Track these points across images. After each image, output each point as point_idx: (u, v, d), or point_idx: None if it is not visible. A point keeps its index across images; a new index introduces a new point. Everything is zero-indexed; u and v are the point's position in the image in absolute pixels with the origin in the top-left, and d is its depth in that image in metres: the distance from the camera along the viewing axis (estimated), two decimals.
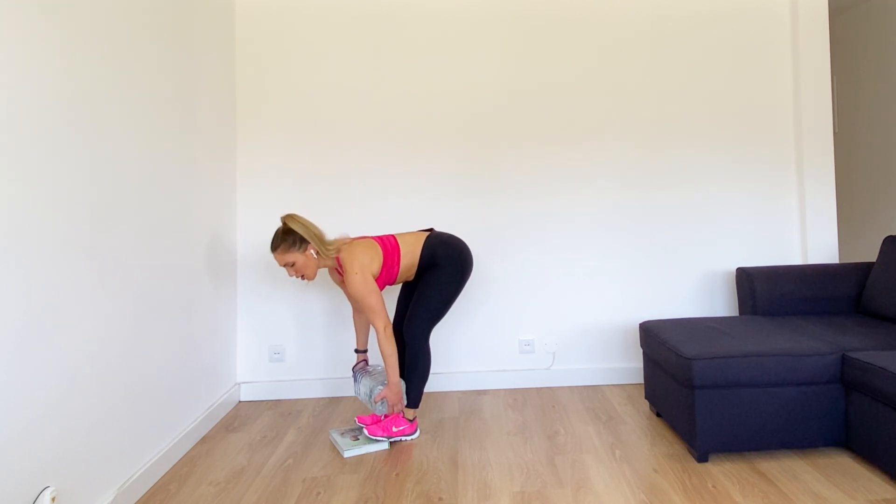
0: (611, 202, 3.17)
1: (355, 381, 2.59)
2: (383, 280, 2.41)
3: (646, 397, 2.70)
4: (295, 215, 2.35)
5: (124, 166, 2.01)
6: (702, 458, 2.18)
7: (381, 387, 2.44)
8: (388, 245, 2.41)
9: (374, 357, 3.11)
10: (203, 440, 2.54)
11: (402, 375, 2.64)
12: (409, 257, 2.43)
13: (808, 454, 2.22)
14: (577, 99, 3.17)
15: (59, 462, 1.64)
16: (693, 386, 2.14)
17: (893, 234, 3.90)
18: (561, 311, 3.17)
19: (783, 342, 2.22)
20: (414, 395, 2.44)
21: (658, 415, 2.66)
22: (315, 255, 2.35)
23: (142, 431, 2.10)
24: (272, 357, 3.10)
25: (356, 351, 2.68)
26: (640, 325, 2.69)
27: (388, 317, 2.34)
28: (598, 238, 3.17)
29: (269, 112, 3.12)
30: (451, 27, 3.16)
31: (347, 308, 3.12)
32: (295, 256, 2.32)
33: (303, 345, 3.11)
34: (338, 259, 2.39)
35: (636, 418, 2.64)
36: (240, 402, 3.05)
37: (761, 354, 2.14)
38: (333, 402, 3.01)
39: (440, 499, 1.97)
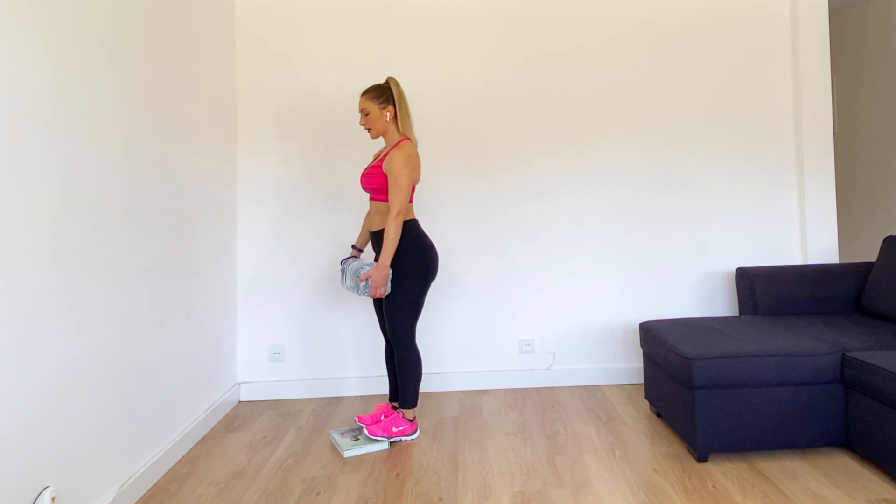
0: (611, 202, 3.17)
1: (342, 270, 2.52)
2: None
3: (646, 397, 2.70)
4: (398, 82, 2.48)
5: (124, 166, 2.01)
6: (702, 458, 2.18)
7: (367, 267, 2.39)
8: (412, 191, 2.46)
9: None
10: (203, 440, 2.54)
11: (391, 374, 2.63)
12: (408, 209, 2.43)
13: (808, 454, 2.22)
14: (578, 99, 3.17)
15: (59, 462, 1.64)
16: (693, 386, 2.14)
17: (893, 234, 3.90)
18: (561, 311, 3.17)
19: (783, 342, 2.22)
20: (410, 396, 2.44)
21: (658, 415, 2.66)
22: (388, 119, 2.45)
23: (142, 431, 2.10)
24: (272, 357, 3.10)
25: (352, 246, 2.67)
26: (640, 325, 2.69)
27: (406, 205, 2.35)
28: (599, 238, 3.17)
29: (269, 112, 3.12)
30: (451, 28, 3.16)
31: (347, 307, 3.12)
32: (372, 107, 2.43)
33: (303, 345, 3.11)
34: (396, 144, 2.41)
35: (636, 418, 2.64)
36: (240, 402, 3.05)
37: (761, 354, 2.14)
38: (333, 402, 3.01)
39: (440, 499, 1.97)
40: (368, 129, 2.48)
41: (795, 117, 3.18)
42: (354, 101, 3.13)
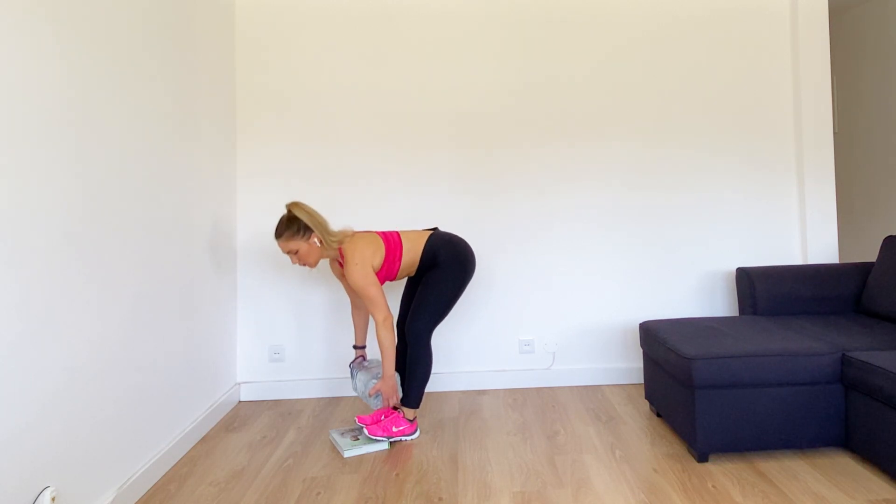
0: (611, 202, 3.17)
1: (352, 376, 2.59)
2: (384, 275, 2.42)
3: (646, 397, 2.70)
4: (300, 203, 2.36)
5: (124, 166, 2.01)
6: (702, 458, 2.18)
7: (375, 380, 2.44)
8: (392, 241, 2.42)
9: (373, 353, 3.10)
10: (203, 440, 2.54)
11: (401, 372, 2.65)
12: (412, 254, 2.44)
13: (808, 454, 2.22)
14: (578, 99, 3.17)
15: (59, 462, 1.64)
16: (693, 386, 2.14)
17: (893, 234, 3.90)
18: (561, 311, 3.17)
19: (783, 342, 2.22)
20: (415, 395, 2.44)
21: (658, 415, 2.66)
22: (318, 244, 2.36)
23: (142, 431, 2.10)
24: (272, 357, 3.10)
25: (354, 347, 2.69)
26: (640, 325, 2.69)
27: (388, 309, 2.34)
28: (599, 238, 3.17)
29: (269, 112, 3.12)
30: (452, 27, 3.16)
31: (347, 307, 3.12)
32: (298, 244, 2.34)
33: (303, 345, 3.11)
34: (340, 250, 2.39)
35: (636, 418, 2.64)
36: (240, 402, 3.05)
37: (761, 354, 2.14)
38: (333, 402, 3.01)
39: (440, 499, 1.97)
40: (306, 265, 2.39)
41: (795, 117, 3.18)
42: (355, 101, 3.13)
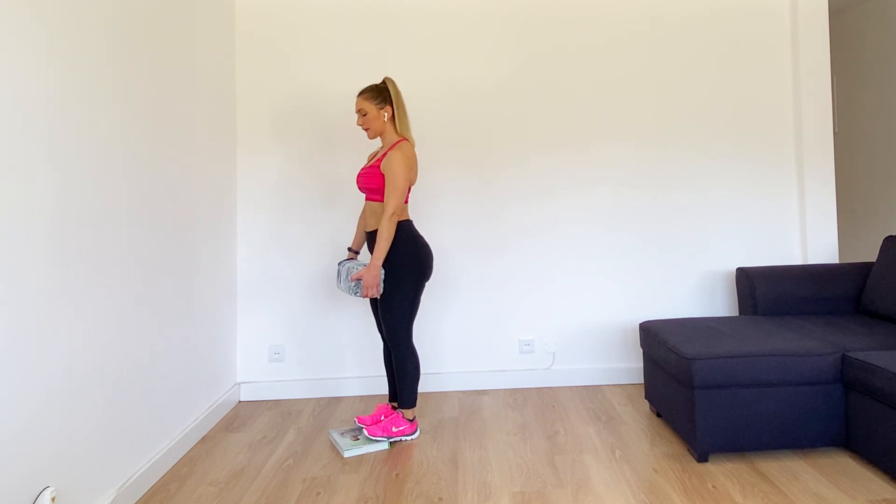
0: (611, 202, 3.17)
1: (338, 272, 2.53)
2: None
3: (646, 397, 2.70)
4: (395, 82, 2.48)
5: (123, 167, 2.01)
6: (702, 458, 2.18)
7: (360, 267, 2.39)
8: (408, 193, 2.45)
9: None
10: (203, 440, 2.54)
11: (392, 378, 2.62)
12: (402, 212, 2.40)
13: (808, 454, 2.22)
14: (578, 99, 3.17)
15: (59, 462, 1.64)
16: (693, 386, 2.14)
17: (893, 234, 3.90)
18: (561, 311, 3.17)
19: (783, 342, 2.22)
20: (408, 396, 2.44)
21: (658, 415, 2.66)
22: (386, 119, 2.45)
23: (142, 431, 2.10)
24: (272, 357, 3.10)
25: (349, 249, 2.68)
26: (640, 325, 2.69)
27: (402, 205, 2.36)
28: (599, 238, 3.17)
29: (269, 113, 3.12)
30: (451, 28, 3.16)
31: (347, 307, 3.12)
32: (370, 107, 2.44)
33: (303, 345, 3.11)
34: (394, 144, 2.41)
35: (636, 418, 2.64)
36: (240, 402, 3.05)
37: (761, 354, 2.14)
38: (333, 402, 3.01)
39: (440, 499, 1.97)
40: (366, 129, 2.47)
41: (795, 117, 3.18)
42: (354, 102, 3.13)
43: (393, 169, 2.34)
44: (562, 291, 3.17)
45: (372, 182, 2.40)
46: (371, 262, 2.33)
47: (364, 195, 2.59)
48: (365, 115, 2.45)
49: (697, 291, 3.18)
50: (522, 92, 3.16)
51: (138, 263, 2.09)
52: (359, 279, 2.35)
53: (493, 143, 3.15)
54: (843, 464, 2.13)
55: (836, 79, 4.38)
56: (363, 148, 3.13)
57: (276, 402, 3.03)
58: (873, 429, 2.01)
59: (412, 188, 3.12)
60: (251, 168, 3.11)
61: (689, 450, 2.27)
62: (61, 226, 1.68)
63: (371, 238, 2.47)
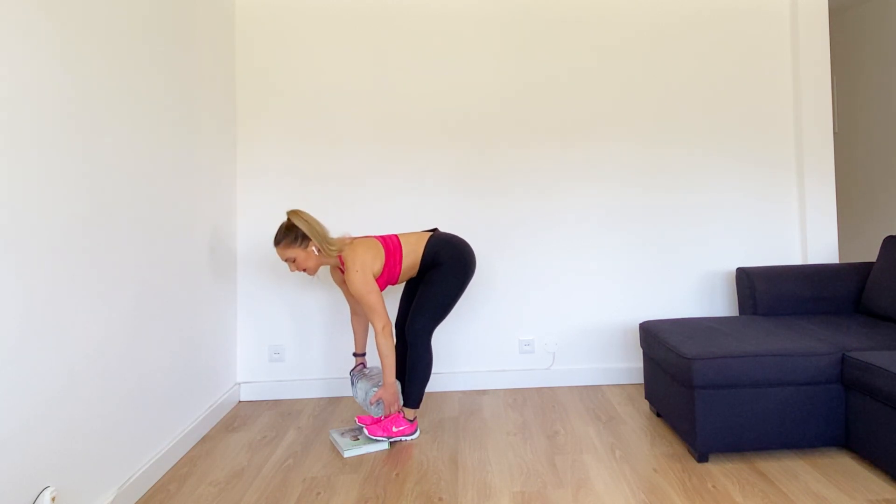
0: (611, 202, 3.17)
1: (352, 384, 2.60)
2: (385, 279, 2.42)
3: (646, 397, 2.70)
4: (299, 211, 2.37)
5: (124, 166, 2.01)
6: (702, 458, 2.18)
7: (376, 388, 2.44)
8: (391, 245, 2.42)
9: (372, 360, 3.11)
10: (203, 440, 2.54)
11: (401, 375, 2.65)
12: (412, 257, 2.44)
13: (808, 454, 2.22)
14: (578, 99, 3.17)
15: (59, 462, 1.64)
16: (693, 386, 2.14)
17: (893, 234, 3.90)
18: (561, 311, 3.17)
19: (783, 342, 2.22)
20: (415, 396, 2.44)
21: (658, 415, 2.66)
22: (316, 252, 2.37)
23: (142, 431, 2.10)
24: (272, 357, 3.10)
25: (354, 355, 2.69)
26: (640, 325, 2.69)
27: (387, 316, 2.35)
28: (599, 238, 3.17)
29: (269, 112, 3.12)
30: (451, 27, 3.16)
31: (347, 307, 3.12)
32: (296, 252, 2.35)
33: (303, 345, 3.11)
34: (340, 257, 2.40)
35: (636, 418, 2.64)
36: (240, 402, 3.05)
37: (761, 354, 2.14)
38: (333, 402, 3.01)
39: (440, 499, 1.97)
40: (304, 271, 2.40)
41: (795, 117, 3.18)
42: (354, 101, 3.13)
43: (358, 292, 2.31)
44: (562, 291, 3.17)
45: None
46: (385, 382, 2.38)
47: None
48: (294, 260, 2.36)
49: (697, 291, 3.18)
50: (522, 92, 3.16)
51: (139, 264, 2.09)
52: (378, 400, 2.41)
53: (492, 142, 3.15)
54: (843, 464, 2.13)
55: (836, 79, 4.38)
56: (364, 147, 3.13)
57: (276, 402, 3.03)
58: (873, 429, 2.01)
59: (414, 186, 3.12)
60: (251, 167, 3.11)
61: (689, 450, 2.27)
62: (62, 227, 1.68)
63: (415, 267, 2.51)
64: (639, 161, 3.17)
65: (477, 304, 3.15)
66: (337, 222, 3.12)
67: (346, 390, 3.10)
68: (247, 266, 3.10)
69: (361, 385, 2.52)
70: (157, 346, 2.22)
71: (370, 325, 2.82)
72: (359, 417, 2.50)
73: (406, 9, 3.15)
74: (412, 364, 2.43)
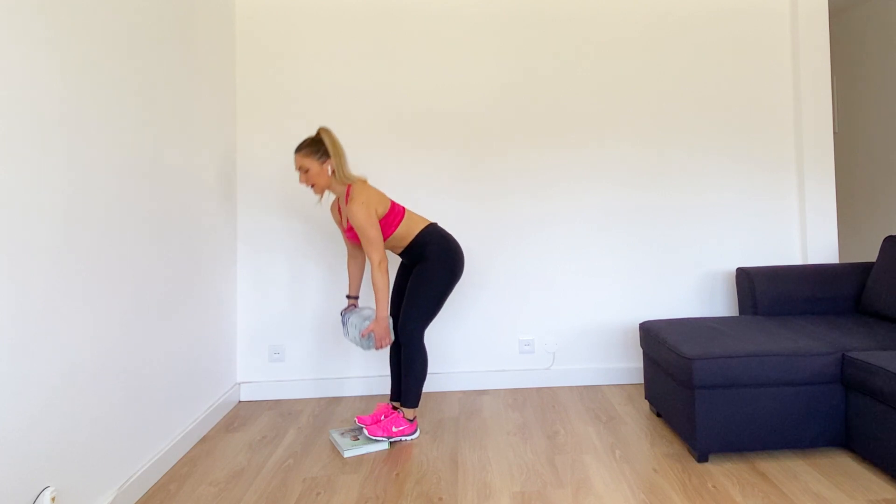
0: (611, 202, 3.17)
1: (343, 323, 2.54)
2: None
3: (646, 397, 2.70)
4: (330, 130, 2.42)
5: (123, 166, 2.01)
6: (702, 458, 2.18)
7: (368, 322, 2.42)
8: (397, 208, 2.46)
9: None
10: (203, 440, 2.54)
11: (398, 376, 2.64)
12: (406, 229, 2.45)
13: (808, 454, 2.22)
14: (578, 99, 3.17)
15: (59, 462, 1.64)
16: (693, 386, 2.14)
17: (893, 234, 3.90)
18: (561, 311, 3.17)
19: (783, 342, 2.22)
20: (412, 395, 2.44)
21: (658, 415, 2.66)
22: (330, 172, 2.40)
23: (142, 431, 2.10)
24: (272, 357, 3.10)
25: (347, 297, 2.68)
26: (640, 325, 2.69)
27: (384, 251, 2.37)
28: (599, 238, 3.17)
29: (269, 111, 3.12)
30: (451, 27, 3.16)
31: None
32: (312, 164, 2.38)
33: (303, 345, 3.11)
34: (348, 190, 2.41)
35: (636, 418, 2.64)
36: (240, 402, 3.05)
37: (761, 354, 2.14)
38: (333, 402, 3.01)
39: (440, 499, 1.97)
40: (312, 186, 2.42)
41: (795, 117, 3.18)
42: (354, 101, 3.13)
43: (359, 223, 2.33)
44: (562, 291, 3.17)
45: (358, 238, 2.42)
46: (378, 315, 2.37)
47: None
48: (307, 171, 2.38)
49: (697, 291, 3.18)
50: (523, 92, 3.16)
51: (138, 263, 2.09)
52: (370, 333, 2.39)
53: (492, 143, 3.15)
54: (843, 464, 2.13)
55: (836, 79, 4.38)
56: (364, 147, 3.13)
57: (276, 402, 3.03)
58: (873, 429, 2.01)
59: (414, 186, 3.12)
60: (252, 167, 3.11)
61: (689, 450, 2.27)
62: (62, 225, 1.68)
63: (403, 252, 2.51)
64: (639, 161, 3.17)
65: (477, 304, 3.15)
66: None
67: (346, 390, 3.10)
68: (247, 266, 3.10)
69: (353, 319, 2.47)
70: (157, 346, 2.22)
71: (366, 265, 2.80)
72: (359, 418, 2.50)
73: (406, 8, 3.15)
74: (407, 365, 2.43)
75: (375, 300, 2.38)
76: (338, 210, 2.56)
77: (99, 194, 1.86)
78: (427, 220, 2.53)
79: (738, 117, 3.19)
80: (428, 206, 3.14)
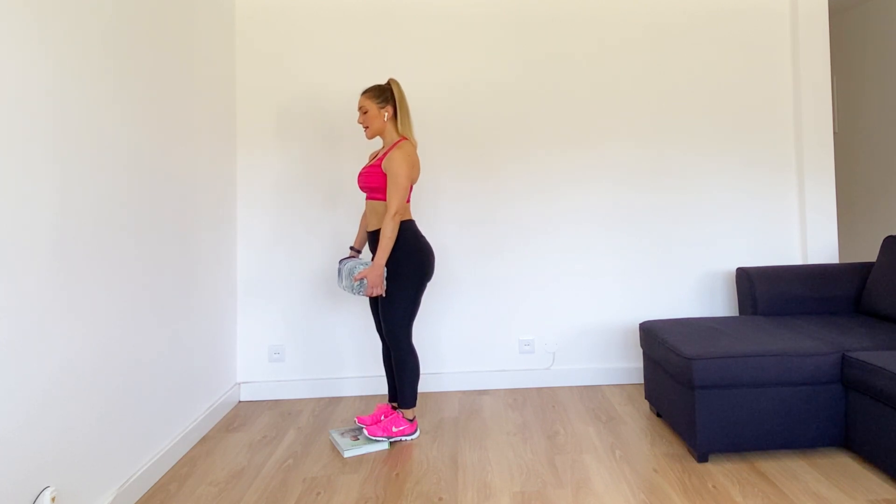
0: (611, 202, 3.17)
1: (339, 271, 2.51)
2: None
3: (646, 397, 2.70)
4: (399, 84, 2.50)
5: (124, 166, 2.01)
6: (702, 458, 2.18)
7: (363, 266, 2.39)
8: (409, 191, 2.45)
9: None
10: (203, 440, 2.54)
11: (392, 378, 2.62)
12: (404, 211, 2.41)
13: (808, 454, 2.22)
14: (577, 99, 3.17)
15: (59, 462, 1.64)
16: (693, 386, 2.14)
17: (893, 234, 3.90)
18: (561, 311, 3.17)
19: (783, 342, 2.22)
20: (408, 395, 2.44)
21: (658, 415, 2.66)
22: (386, 119, 2.46)
23: (142, 431, 2.10)
24: (272, 357, 3.10)
25: (351, 248, 2.68)
26: (640, 325, 2.69)
27: (404, 204, 2.36)
28: (599, 238, 3.17)
29: (269, 112, 3.12)
30: (451, 29, 3.16)
31: (347, 307, 3.12)
32: (372, 106, 2.45)
33: (303, 345, 3.11)
34: (395, 144, 2.42)
35: (636, 418, 2.64)
36: (240, 402, 3.05)
37: (761, 354, 2.14)
38: (333, 402, 3.01)
39: (440, 499, 1.97)
40: (366, 128, 2.49)
41: (795, 117, 3.18)
42: (354, 102, 3.13)
43: (394, 168, 2.34)
44: (562, 291, 3.17)
45: (373, 181, 2.40)
46: (374, 262, 2.33)
47: (365, 195, 2.58)
48: (366, 112, 2.47)
49: (697, 291, 3.18)
50: (523, 92, 3.16)
51: (138, 263, 2.09)
52: (362, 278, 2.35)
53: (493, 143, 3.15)
54: (843, 464, 2.13)
55: (836, 79, 4.38)
56: (364, 147, 3.13)
57: (276, 402, 3.03)
58: (873, 429, 2.01)
59: (414, 188, 3.12)
60: (251, 167, 3.11)
61: (689, 450, 2.27)
62: (62, 225, 1.68)
63: (373, 237, 2.47)
64: (639, 161, 3.17)
65: (477, 305, 3.15)
66: (337, 221, 3.12)
67: (346, 390, 3.10)
68: (247, 266, 3.10)
69: (350, 264, 2.43)
70: (157, 346, 2.22)
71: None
72: (359, 418, 2.50)
73: (406, 9, 3.15)
74: (399, 367, 2.42)
75: (378, 247, 2.34)
76: (369, 165, 2.50)
77: (98, 194, 1.86)
78: (411, 216, 2.53)
79: (738, 117, 3.18)
80: (428, 205, 3.14)
